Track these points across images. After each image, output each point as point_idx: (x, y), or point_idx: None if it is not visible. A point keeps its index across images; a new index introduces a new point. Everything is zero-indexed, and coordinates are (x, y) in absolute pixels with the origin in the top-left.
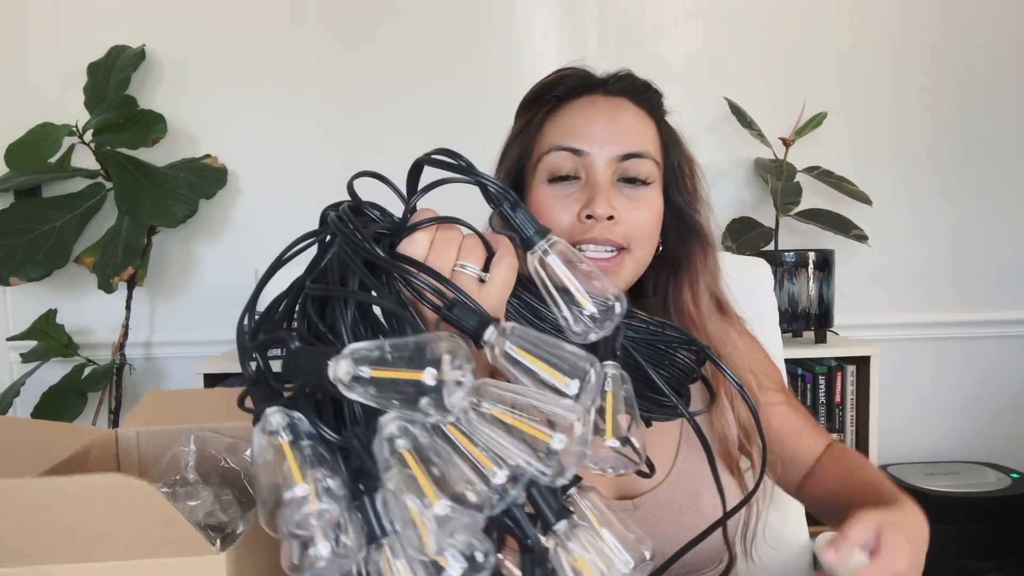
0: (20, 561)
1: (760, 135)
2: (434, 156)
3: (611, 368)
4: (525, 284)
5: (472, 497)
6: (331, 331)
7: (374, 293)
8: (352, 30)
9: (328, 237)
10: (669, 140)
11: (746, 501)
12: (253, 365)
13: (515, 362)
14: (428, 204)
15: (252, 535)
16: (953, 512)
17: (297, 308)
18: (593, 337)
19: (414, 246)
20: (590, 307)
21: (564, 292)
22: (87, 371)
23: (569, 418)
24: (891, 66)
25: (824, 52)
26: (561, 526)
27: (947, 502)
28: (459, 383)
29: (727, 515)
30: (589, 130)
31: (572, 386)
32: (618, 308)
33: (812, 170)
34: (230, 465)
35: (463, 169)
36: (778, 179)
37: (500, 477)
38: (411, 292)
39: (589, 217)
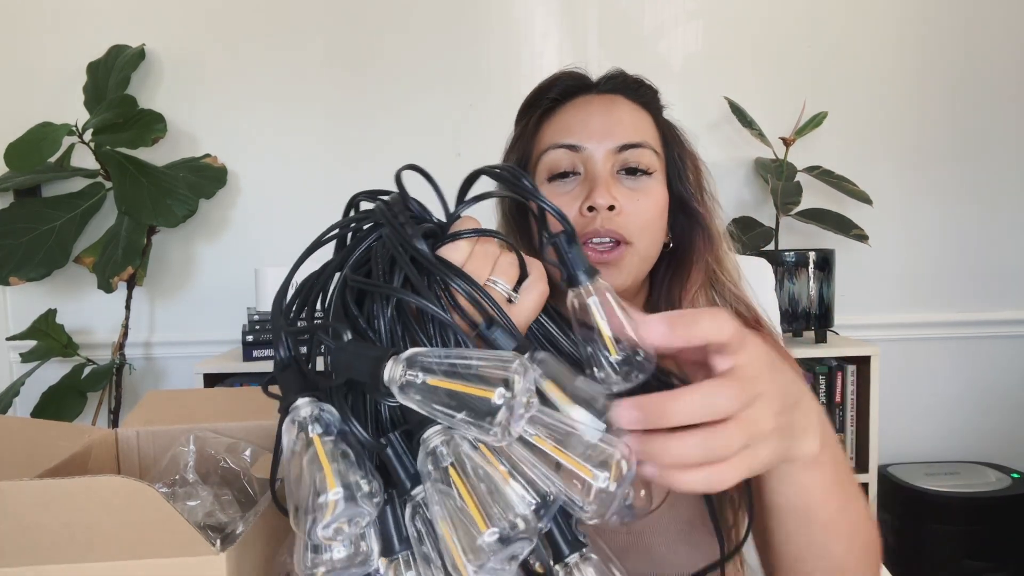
0: (20, 561)
1: (760, 135)
2: (499, 171)
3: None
4: (549, 312)
5: (520, 525)
6: (368, 326)
7: (419, 295)
8: (352, 30)
9: (368, 225)
10: (668, 133)
11: (732, 555)
12: (283, 351)
13: (540, 394)
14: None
15: (252, 535)
16: (953, 512)
17: (331, 296)
18: (615, 388)
19: (456, 253)
20: (616, 354)
21: (595, 334)
22: (87, 371)
23: (613, 455)
24: (891, 66)
25: (824, 52)
26: (573, 558)
27: (947, 502)
28: (527, 407)
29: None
30: (584, 126)
31: (594, 429)
32: (647, 363)
33: (812, 170)
34: (229, 465)
35: (527, 190)
36: (778, 179)
37: (535, 506)
38: (449, 300)
39: (591, 209)
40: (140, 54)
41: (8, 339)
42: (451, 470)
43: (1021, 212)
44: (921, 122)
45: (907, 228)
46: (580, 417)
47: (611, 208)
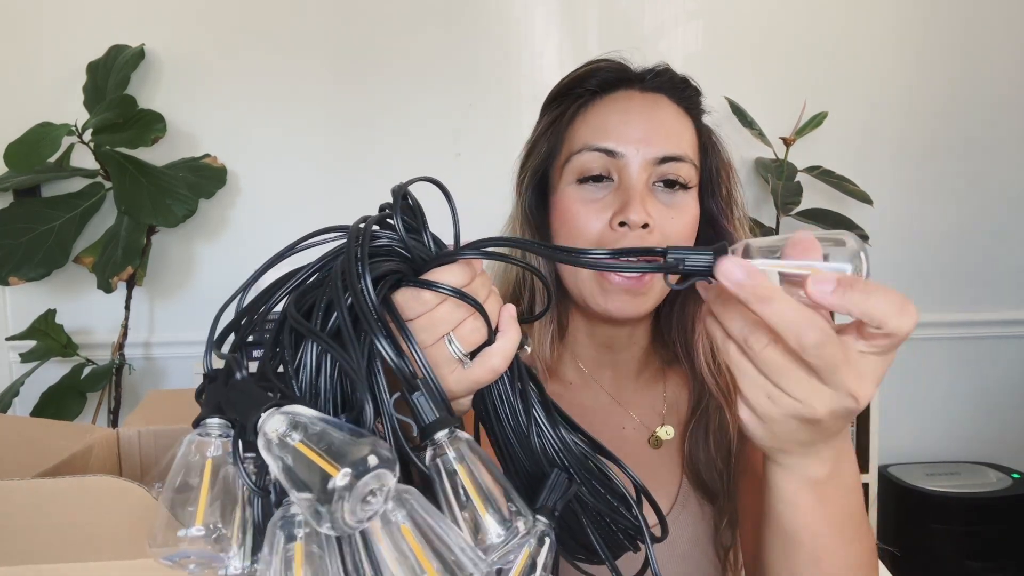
0: (15, 560)
1: (760, 135)
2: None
3: (541, 525)
4: (515, 377)
5: None
6: (294, 366)
7: (342, 344)
8: (352, 30)
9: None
10: (708, 142)
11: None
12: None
13: (451, 477)
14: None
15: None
16: (953, 512)
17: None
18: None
19: (415, 302)
20: (495, 528)
21: (463, 500)
22: (86, 371)
23: (469, 571)
24: (891, 66)
25: (824, 52)
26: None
27: (947, 502)
28: (368, 500)
29: None
30: (624, 129)
31: (493, 533)
32: (522, 527)
33: (813, 170)
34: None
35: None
36: (779, 179)
37: None
38: (391, 351)
39: (622, 224)
40: (140, 54)
41: (8, 339)
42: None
43: (1021, 212)
44: (921, 122)
45: (907, 228)
46: (476, 512)
47: (645, 227)
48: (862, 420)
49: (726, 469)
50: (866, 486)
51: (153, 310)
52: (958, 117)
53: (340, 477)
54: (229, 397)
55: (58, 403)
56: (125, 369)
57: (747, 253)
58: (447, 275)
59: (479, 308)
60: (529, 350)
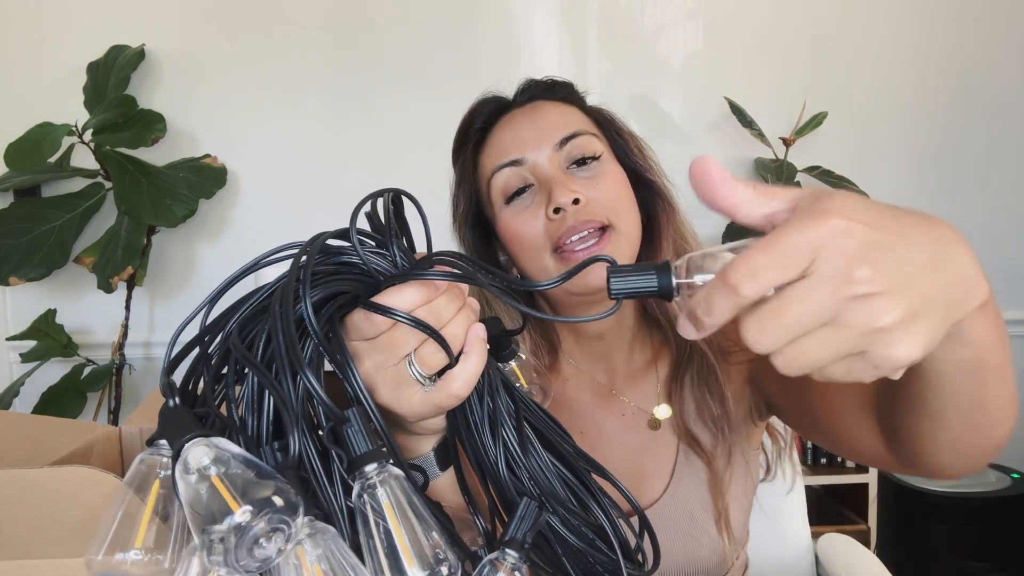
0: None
1: (760, 135)
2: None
3: (511, 559)
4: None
5: None
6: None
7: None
8: (352, 30)
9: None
10: (599, 118)
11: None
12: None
13: (376, 513)
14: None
15: None
16: (953, 512)
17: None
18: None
19: (367, 324)
20: (417, 574)
21: (383, 541)
22: (87, 371)
23: None
24: (891, 66)
25: (824, 52)
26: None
27: (947, 502)
28: (265, 541)
29: None
30: (517, 139)
31: (413, 574)
32: (445, 572)
33: (812, 170)
34: None
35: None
36: (778, 179)
37: None
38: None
39: (557, 211)
40: (140, 54)
41: (8, 339)
42: None
43: (1021, 212)
44: (921, 122)
45: None
46: (397, 551)
47: (576, 202)
48: None
49: (723, 410)
50: (866, 486)
51: (153, 310)
52: (958, 117)
53: (239, 514)
54: (161, 424)
55: (58, 403)
56: (125, 369)
57: (689, 270)
58: (401, 297)
59: (432, 333)
60: (524, 357)
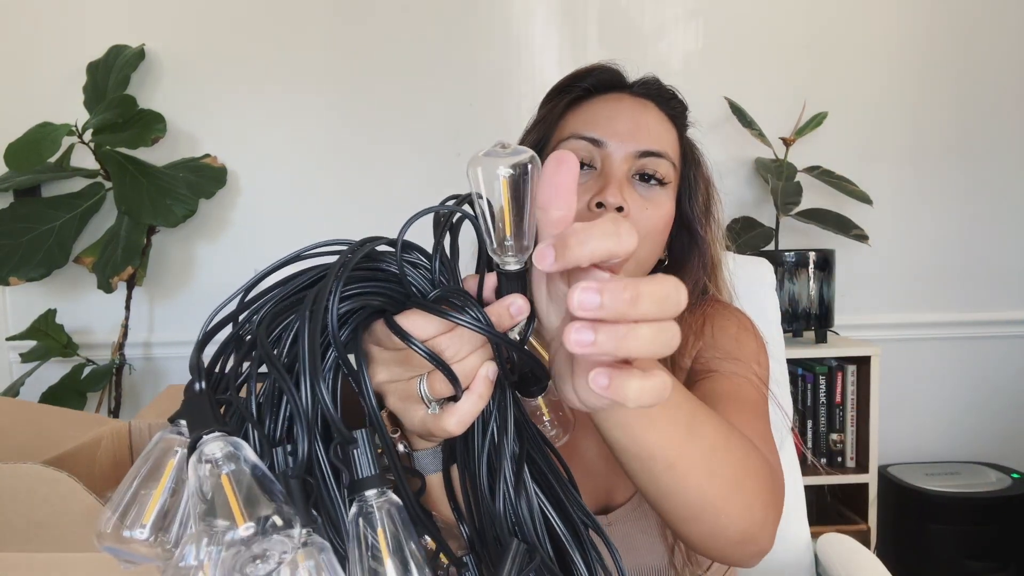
0: None
1: (760, 135)
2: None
3: None
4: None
5: None
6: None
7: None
8: (352, 30)
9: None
10: (688, 151)
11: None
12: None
13: (369, 539)
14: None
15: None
16: (953, 512)
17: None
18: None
19: (391, 340)
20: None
21: (372, 566)
22: (87, 371)
23: None
24: (891, 66)
25: (824, 52)
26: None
27: (947, 502)
28: (259, 561)
29: None
30: (611, 123)
31: None
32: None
33: (812, 170)
34: None
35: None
36: (778, 179)
37: None
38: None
39: (599, 206)
40: (140, 54)
41: (8, 339)
42: None
43: (1021, 212)
44: (921, 122)
45: (907, 228)
46: None
47: (619, 209)
48: (862, 420)
49: None
50: (866, 486)
51: (153, 310)
52: (958, 117)
53: (242, 529)
54: (184, 404)
55: (58, 403)
56: (125, 369)
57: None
58: (420, 324)
59: (442, 367)
60: (553, 397)
